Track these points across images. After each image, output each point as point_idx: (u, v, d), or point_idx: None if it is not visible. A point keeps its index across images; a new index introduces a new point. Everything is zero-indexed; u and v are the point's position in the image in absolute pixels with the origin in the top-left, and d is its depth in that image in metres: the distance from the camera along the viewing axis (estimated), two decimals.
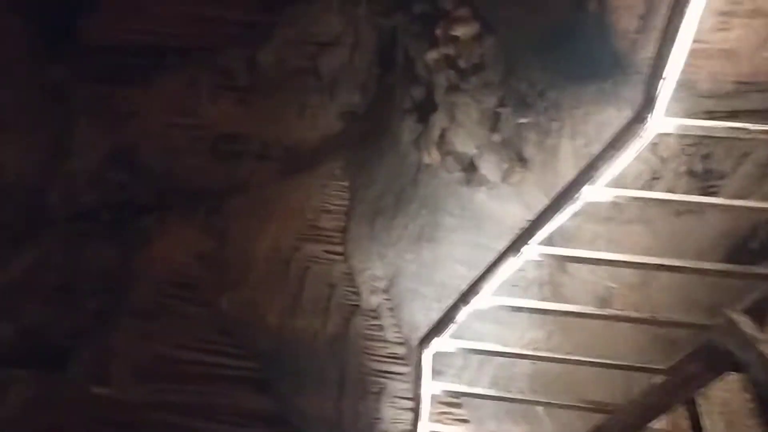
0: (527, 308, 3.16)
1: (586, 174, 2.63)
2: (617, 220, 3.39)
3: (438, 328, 3.21)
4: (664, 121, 2.51)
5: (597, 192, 2.72)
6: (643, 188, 3.17)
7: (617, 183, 2.72)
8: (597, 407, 3.42)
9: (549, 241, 2.84)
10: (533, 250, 2.87)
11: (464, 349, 3.28)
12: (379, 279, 4.90)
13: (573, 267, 3.64)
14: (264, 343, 5.09)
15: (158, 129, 5.99)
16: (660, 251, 3.28)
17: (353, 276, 4.97)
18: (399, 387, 4.84)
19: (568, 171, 3.40)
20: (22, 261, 5.86)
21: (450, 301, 3.91)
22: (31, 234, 5.90)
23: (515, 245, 2.85)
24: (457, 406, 4.72)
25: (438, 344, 3.26)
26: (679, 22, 2.24)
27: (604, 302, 3.70)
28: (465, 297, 3.06)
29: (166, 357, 5.26)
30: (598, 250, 3.70)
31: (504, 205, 4.16)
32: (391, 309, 4.86)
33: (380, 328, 4.87)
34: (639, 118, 2.46)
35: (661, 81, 2.33)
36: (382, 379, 4.83)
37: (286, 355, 5.03)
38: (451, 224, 4.50)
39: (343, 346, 4.91)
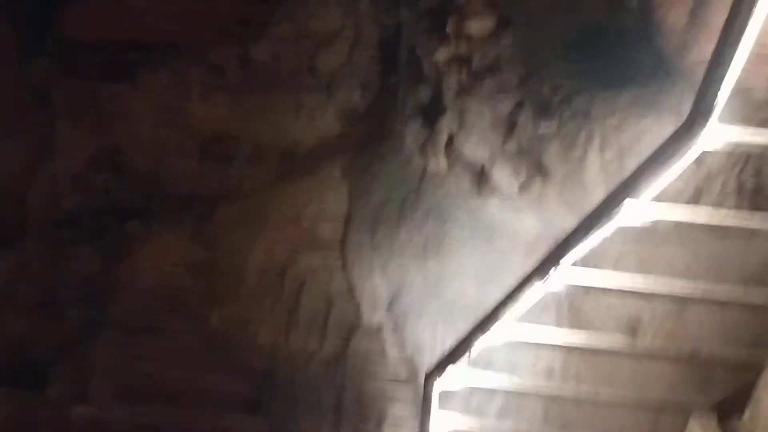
0: (551, 342, 2.82)
1: (625, 191, 2.30)
2: (649, 240, 3.05)
3: (450, 358, 2.87)
4: (717, 132, 2.18)
5: (637, 211, 2.39)
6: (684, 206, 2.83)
7: (655, 200, 2.39)
8: None
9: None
10: (562, 274, 2.54)
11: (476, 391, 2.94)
12: (381, 295, 4.56)
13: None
14: (256, 362, 4.74)
15: (145, 129, 5.66)
16: (699, 276, 2.94)
17: (353, 291, 4.62)
18: (401, 412, 4.50)
19: (595, 185, 3.07)
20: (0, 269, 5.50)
21: (464, 327, 3.61)
22: (9, 240, 5.54)
23: (542, 269, 2.52)
24: None
25: (448, 379, 2.91)
26: (746, 19, 1.90)
27: (632, 329, 3.37)
28: (482, 325, 2.72)
29: (152, 375, 4.90)
30: (626, 271, 3.39)
31: (519, 217, 3.83)
32: (393, 327, 4.52)
33: (382, 347, 4.52)
34: (690, 128, 2.13)
35: (721, 88, 2.00)
36: (383, 404, 4.49)
37: (280, 376, 4.68)
38: (459, 236, 4.17)
39: (341, 367, 4.57)
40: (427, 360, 4.42)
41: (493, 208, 3.97)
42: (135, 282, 5.20)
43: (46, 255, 5.47)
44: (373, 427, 4.54)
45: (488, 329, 2.70)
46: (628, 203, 2.31)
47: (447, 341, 4.36)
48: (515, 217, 3.83)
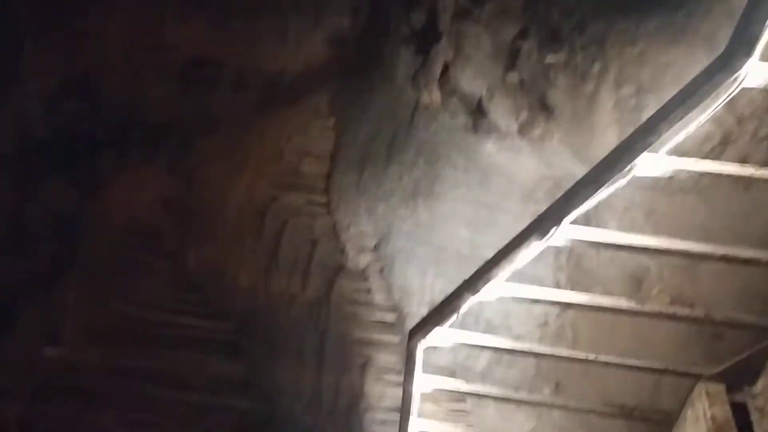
0: (549, 301, 2.54)
1: (644, 137, 1.96)
2: (662, 188, 2.73)
3: (436, 318, 2.59)
4: (759, 68, 1.83)
5: (657, 162, 2.05)
6: (709, 155, 2.50)
7: (678, 146, 2.06)
8: (620, 411, 2.86)
9: None
10: (564, 232, 2.23)
11: (465, 344, 2.67)
12: (367, 236, 4.30)
13: None
14: (235, 305, 4.49)
15: (119, 52, 5.26)
16: (718, 230, 2.64)
17: (338, 232, 4.37)
18: (387, 359, 4.29)
19: (608, 126, 2.72)
20: None
21: (455, 274, 3.35)
22: None
23: (541, 227, 2.21)
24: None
25: (434, 337, 2.65)
26: None
27: (637, 282, 3.08)
28: (472, 285, 2.43)
29: (126, 316, 4.67)
30: (634, 221, 3.09)
31: (518, 159, 3.49)
32: (380, 271, 4.28)
33: (367, 292, 4.30)
34: (727, 63, 1.77)
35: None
36: (368, 350, 4.28)
37: (260, 320, 4.45)
38: (452, 178, 3.85)
39: (324, 311, 4.34)
40: (415, 306, 4.20)
41: (490, 147, 3.63)
42: (108, 217, 4.91)
43: (14, 185, 5.16)
44: (357, 374, 4.33)
45: (478, 290, 2.41)
46: (645, 157, 1.97)
47: (436, 288, 4.13)
48: (514, 159, 3.50)
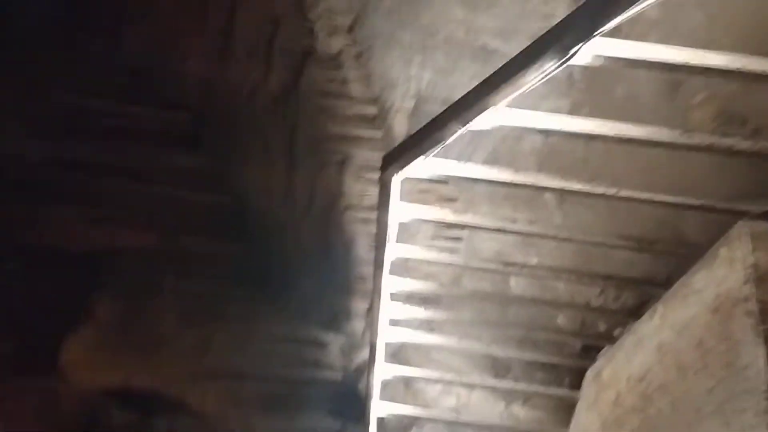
0: (559, 131, 1.93)
1: None
2: None
3: (416, 149, 2.02)
4: None
5: None
6: None
7: None
8: (638, 245, 2.41)
9: None
10: (590, 47, 1.56)
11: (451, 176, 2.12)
12: (340, 14, 3.62)
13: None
14: (189, 94, 3.88)
15: None
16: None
17: (304, 8, 3.65)
18: (367, 155, 3.82)
19: None
20: None
21: (445, 64, 2.82)
22: None
23: (562, 42, 1.54)
24: (443, 182, 3.73)
25: (413, 169, 2.10)
26: None
27: (673, 86, 2.44)
28: (462, 113, 1.82)
29: (66, 105, 4.09)
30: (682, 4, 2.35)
31: None
32: (356, 57, 3.67)
33: (342, 82, 3.72)
34: None
35: None
36: (346, 146, 3.78)
37: (219, 111, 3.89)
38: None
39: (291, 103, 3.79)
40: (399, 99, 3.65)
41: None
42: None
43: None
44: (334, 171, 3.87)
45: (470, 119, 1.80)
46: None
47: (423, 78, 3.54)
48: None
